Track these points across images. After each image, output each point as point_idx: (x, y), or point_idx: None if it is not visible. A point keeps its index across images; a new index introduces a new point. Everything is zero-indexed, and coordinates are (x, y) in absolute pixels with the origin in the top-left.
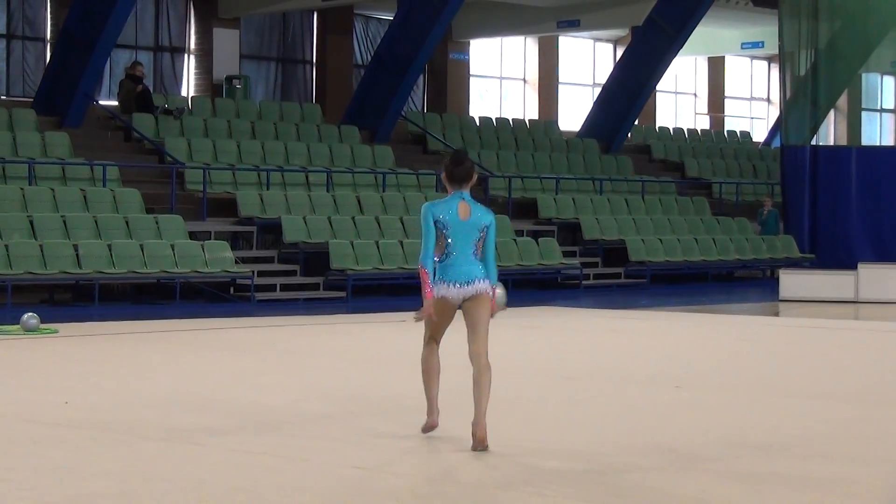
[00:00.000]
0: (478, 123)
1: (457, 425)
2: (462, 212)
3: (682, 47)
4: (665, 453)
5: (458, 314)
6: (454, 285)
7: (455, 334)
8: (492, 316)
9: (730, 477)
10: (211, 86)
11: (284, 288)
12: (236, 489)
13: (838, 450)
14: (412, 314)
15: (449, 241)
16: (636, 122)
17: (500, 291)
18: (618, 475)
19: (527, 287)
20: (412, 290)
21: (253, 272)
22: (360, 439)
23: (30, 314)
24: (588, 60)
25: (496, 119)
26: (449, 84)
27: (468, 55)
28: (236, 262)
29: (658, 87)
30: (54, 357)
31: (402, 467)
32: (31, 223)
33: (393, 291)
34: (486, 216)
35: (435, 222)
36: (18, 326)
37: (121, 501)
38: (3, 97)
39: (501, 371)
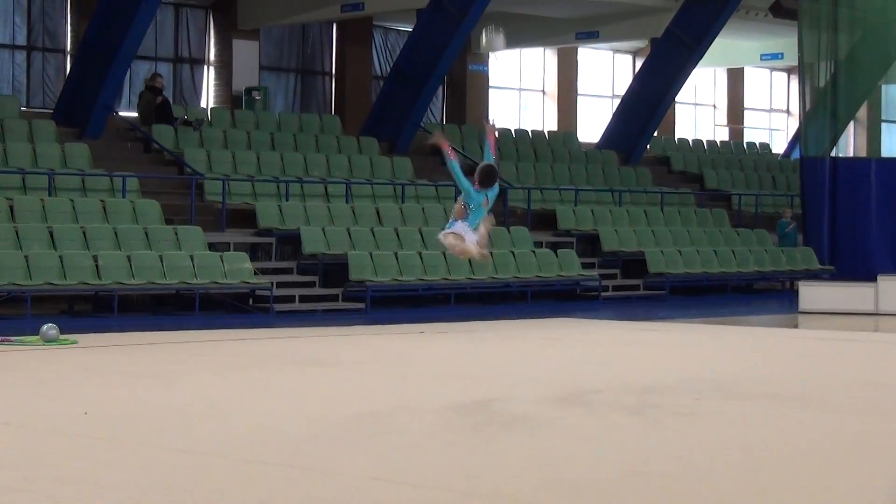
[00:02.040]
0: (497, 135)
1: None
2: (483, 203)
3: (701, 59)
4: (683, 463)
5: None
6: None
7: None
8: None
9: (749, 489)
10: (230, 97)
11: (303, 299)
12: (256, 501)
13: (854, 462)
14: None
15: (470, 211)
16: (655, 134)
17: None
18: (636, 485)
19: (545, 298)
20: (431, 301)
21: (272, 283)
22: (379, 450)
23: (49, 325)
24: (607, 72)
25: (515, 130)
26: (468, 95)
27: (487, 67)
28: (255, 273)
29: (677, 99)
30: (74, 368)
31: (423, 479)
32: (51, 234)
33: (412, 303)
34: (493, 197)
35: (469, 197)
36: (38, 337)
37: None
38: (23, 108)
39: (518, 382)
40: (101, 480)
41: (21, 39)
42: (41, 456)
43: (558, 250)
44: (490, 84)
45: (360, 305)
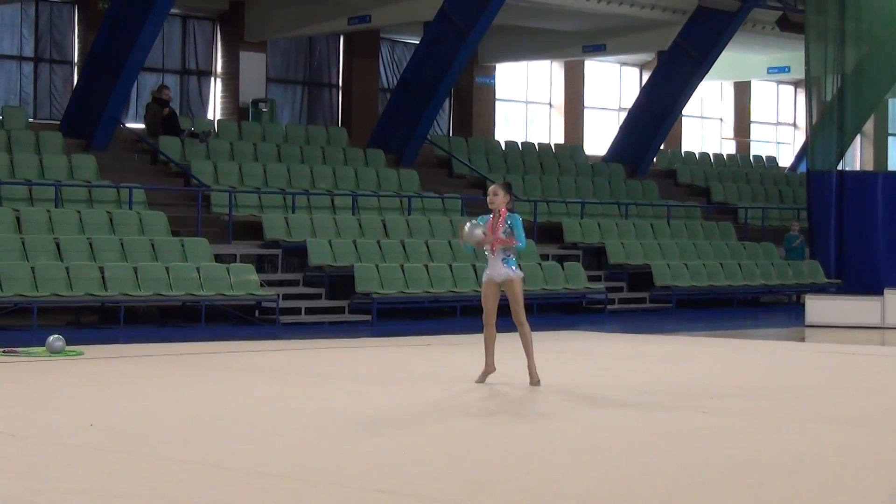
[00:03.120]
0: (503, 147)
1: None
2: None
3: (708, 72)
4: (689, 478)
5: None
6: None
7: None
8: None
9: (752, 502)
10: (237, 109)
11: (310, 311)
12: None
13: (861, 475)
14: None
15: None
16: (662, 147)
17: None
18: (641, 499)
19: (552, 311)
20: (437, 314)
21: (278, 295)
22: (384, 461)
23: (55, 336)
24: (614, 85)
25: (522, 143)
26: (475, 108)
27: (494, 79)
28: (262, 284)
29: (684, 112)
30: (80, 379)
31: (429, 491)
32: (58, 245)
33: (418, 315)
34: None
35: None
36: (44, 348)
37: None
38: (30, 120)
39: (529, 395)
40: (106, 492)
41: (28, 51)
42: (46, 467)
43: (564, 263)
44: (497, 97)
45: (367, 317)
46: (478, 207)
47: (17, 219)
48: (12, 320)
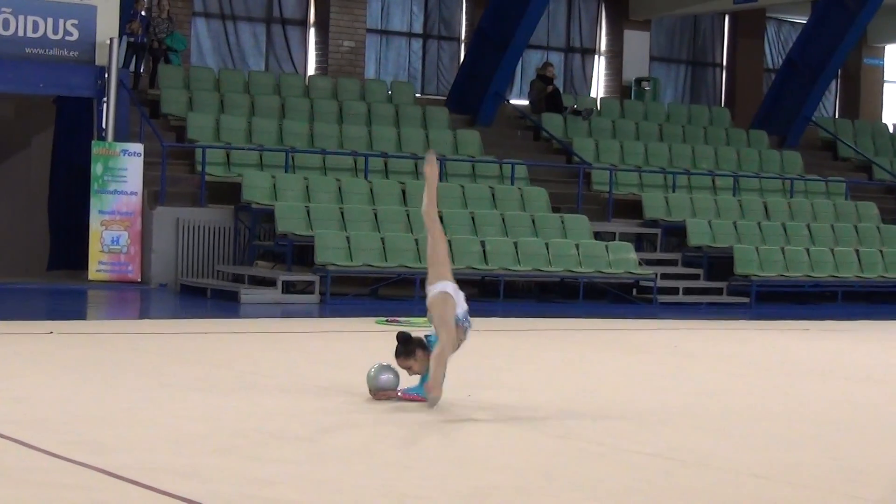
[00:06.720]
0: (891, 131)
1: None
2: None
3: None
4: None
5: None
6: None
7: None
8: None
9: None
10: (620, 87)
11: (688, 291)
12: (631, 490)
13: None
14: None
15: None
16: None
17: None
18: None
19: None
20: (818, 298)
21: (656, 274)
22: (759, 446)
23: None
24: None
25: None
26: (862, 89)
27: (883, 60)
28: (640, 263)
29: None
30: (461, 350)
31: (807, 479)
32: (441, 218)
33: (798, 299)
34: None
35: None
36: (425, 318)
37: (517, 494)
38: (417, 95)
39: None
40: (481, 461)
41: (417, 27)
42: (426, 436)
43: None
44: (885, 78)
45: (745, 300)
46: (863, 192)
47: (403, 191)
48: (396, 290)
